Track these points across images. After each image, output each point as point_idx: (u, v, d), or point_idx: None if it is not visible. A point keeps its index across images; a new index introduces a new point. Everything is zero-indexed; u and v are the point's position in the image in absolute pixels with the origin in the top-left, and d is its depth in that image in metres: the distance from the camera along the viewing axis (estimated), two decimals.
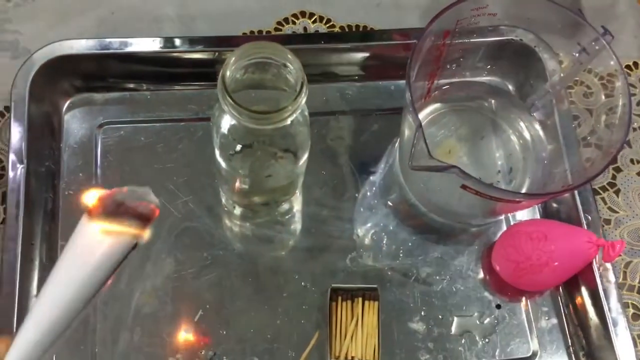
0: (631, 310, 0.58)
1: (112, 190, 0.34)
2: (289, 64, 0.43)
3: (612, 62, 0.50)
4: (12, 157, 0.54)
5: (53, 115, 0.59)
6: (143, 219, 0.35)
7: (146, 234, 0.35)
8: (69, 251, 0.33)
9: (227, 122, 0.46)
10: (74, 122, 0.60)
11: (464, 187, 0.47)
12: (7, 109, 0.60)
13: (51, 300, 0.32)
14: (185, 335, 0.54)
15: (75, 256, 0.33)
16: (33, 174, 0.55)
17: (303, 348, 0.54)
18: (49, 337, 0.31)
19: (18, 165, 0.54)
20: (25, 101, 0.56)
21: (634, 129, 0.65)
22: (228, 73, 0.42)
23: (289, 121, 0.44)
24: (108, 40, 0.59)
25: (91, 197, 0.33)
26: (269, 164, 0.50)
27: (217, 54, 0.61)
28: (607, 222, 0.61)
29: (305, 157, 0.51)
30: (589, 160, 0.54)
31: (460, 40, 0.54)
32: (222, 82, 0.42)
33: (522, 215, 0.61)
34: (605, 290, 0.54)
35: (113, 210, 0.33)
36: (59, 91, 0.60)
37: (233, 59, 0.42)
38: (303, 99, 0.43)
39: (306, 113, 0.48)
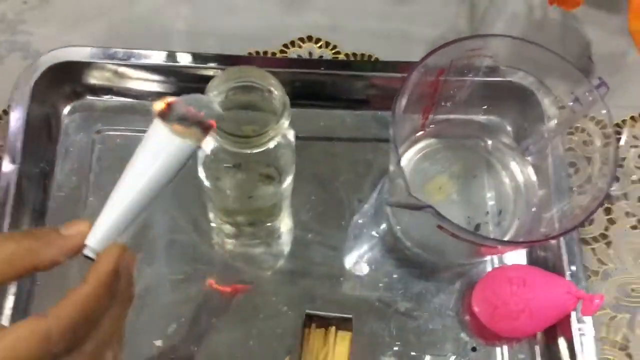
0: None
1: (180, 96, 0.38)
2: (272, 89, 0.44)
3: (603, 111, 0.50)
4: (6, 156, 0.55)
5: (52, 118, 0.60)
6: (204, 127, 0.37)
7: (207, 141, 0.38)
8: (142, 148, 0.36)
9: (210, 141, 0.47)
10: (73, 127, 0.61)
11: (439, 227, 0.46)
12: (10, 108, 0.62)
13: (126, 189, 0.35)
14: (156, 347, 0.55)
15: (148, 151, 0.36)
16: (26, 174, 0.56)
17: None
18: (124, 221, 0.35)
19: (11, 164, 0.55)
20: (26, 103, 0.57)
21: (633, 182, 0.64)
22: (210, 95, 0.42)
23: (271, 145, 0.44)
24: (114, 49, 0.60)
25: (161, 102, 0.36)
26: (252, 185, 0.51)
27: (219, 71, 0.61)
28: (595, 273, 0.60)
29: (289, 179, 0.51)
30: (580, 207, 0.53)
31: (456, 78, 0.54)
32: None
33: (509, 257, 0.60)
34: (582, 344, 0.53)
35: (181, 115, 0.37)
36: (60, 95, 0.61)
37: (216, 82, 0.43)
38: (285, 124, 0.44)
39: (291, 137, 0.49)
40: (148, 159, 0.36)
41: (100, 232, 0.35)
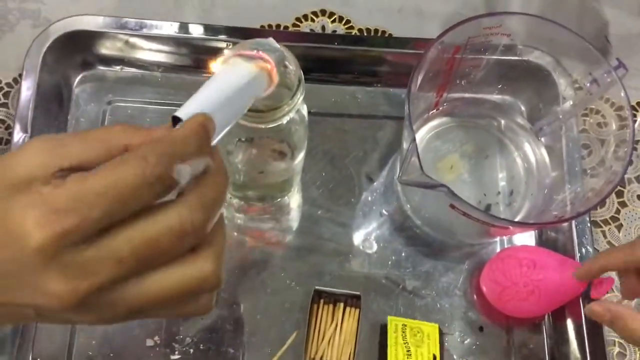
0: (616, 349, 0.57)
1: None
2: (287, 64, 0.43)
3: (621, 94, 0.49)
4: (17, 125, 0.55)
5: (63, 88, 0.60)
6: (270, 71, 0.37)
7: (274, 83, 0.37)
8: (221, 71, 0.35)
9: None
10: (83, 97, 0.61)
11: (452, 206, 0.46)
12: (22, 76, 0.61)
13: (212, 94, 0.33)
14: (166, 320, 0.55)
15: (227, 74, 0.34)
16: None
17: (280, 346, 0.54)
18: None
19: (21, 133, 0.55)
20: (37, 72, 0.57)
21: None
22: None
23: (284, 120, 0.44)
24: (125, 19, 0.59)
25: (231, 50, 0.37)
26: (264, 160, 0.50)
27: (231, 44, 0.61)
28: None
29: (301, 156, 0.51)
30: (593, 190, 0.53)
31: (472, 56, 0.54)
32: None
33: (518, 238, 0.60)
34: (590, 326, 0.53)
35: (253, 55, 0.37)
36: (71, 64, 0.61)
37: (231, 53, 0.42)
38: (299, 99, 0.43)
39: (304, 112, 0.48)
40: (229, 79, 0.34)
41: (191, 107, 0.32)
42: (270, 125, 0.43)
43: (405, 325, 0.54)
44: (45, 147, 0.26)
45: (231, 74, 0.35)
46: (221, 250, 0.29)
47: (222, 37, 0.60)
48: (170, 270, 0.27)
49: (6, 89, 0.62)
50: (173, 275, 0.27)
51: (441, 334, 0.54)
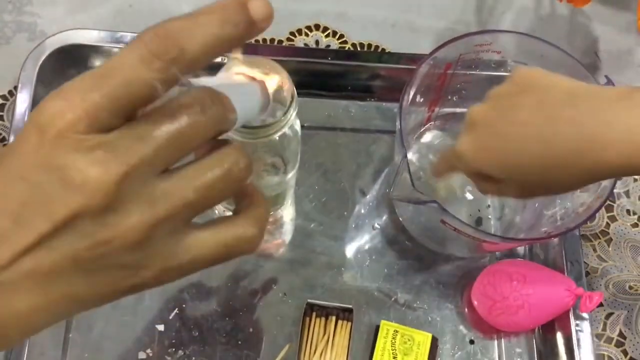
0: None
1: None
2: (282, 81, 0.44)
3: None
4: (12, 138, 0.55)
5: None
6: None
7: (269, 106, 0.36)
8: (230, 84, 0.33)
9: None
10: None
11: (443, 222, 0.47)
12: (17, 89, 0.61)
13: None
14: (158, 331, 0.55)
15: (236, 87, 0.33)
16: None
17: (272, 359, 0.55)
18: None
19: None
20: (32, 85, 0.57)
21: (635, 180, 0.64)
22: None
23: (276, 136, 0.44)
24: (120, 33, 0.60)
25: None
26: (257, 175, 0.51)
27: (225, 58, 0.61)
28: (594, 270, 0.60)
29: (293, 171, 0.52)
30: (583, 205, 0.53)
31: (463, 72, 0.54)
32: None
33: (509, 252, 0.60)
34: (579, 340, 0.54)
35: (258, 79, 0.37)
36: (67, 77, 0.59)
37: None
38: (292, 115, 0.44)
39: (297, 127, 0.49)
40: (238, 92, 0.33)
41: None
42: (264, 140, 0.44)
43: (397, 332, 0.54)
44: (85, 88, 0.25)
45: (239, 88, 0.34)
46: (263, 215, 0.30)
47: None
48: (215, 229, 0.28)
49: (1, 101, 0.63)
50: (218, 234, 0.28)
51: (435, 344, 0.55)
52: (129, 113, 0.25)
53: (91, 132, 0.24)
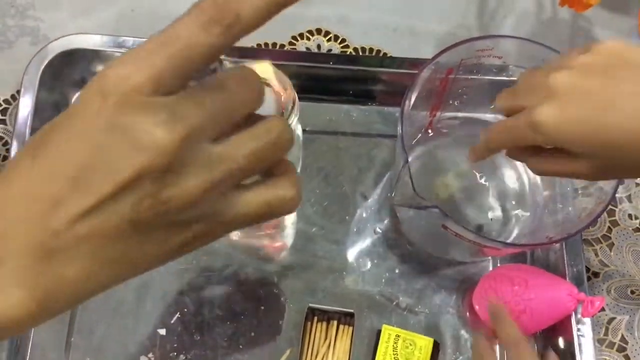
0: None
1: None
2: (283, 87, 0.44)
3: None
4: (14, 142, 0.56)
5: (61, 105, 0.61)
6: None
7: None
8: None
9: None
10: None
11: (444, 227, 0.47)
12: (20, 93, 0.62)
13: None
14: (160, 335, 0.55)
15: None
16: None
17: None
18: None
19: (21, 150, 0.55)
20: (35, 89, 0.57)
21: (637, 184, 0.64)
22: None
23: None
24: (122, 38, 0.60)
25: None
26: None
27: (230, 63, 0.61)
28: (596, 275, 0.60)
29: None
30: (584, 210, 0.53)
31: (464, 77, 0.54)
32: None
33: (511, 256, 0.60)
34: (580, 345, 0.54)
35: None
36: (69, 82, 0.61)
37: None
38: (294, 121, 0.44)
39: (299, 132, 0.49)
40: None
41: None
42: None
43: (399, 336, 0.54)
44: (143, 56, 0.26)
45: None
46: (298, 180, 0.31)
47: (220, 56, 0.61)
48: (259, 190, 0.29)
49: (4, 105, 0.63)
50: (262, 195, 0.29)
51: (437, 349, 0.55)
52: (189, 76, 0.26)
53: (155, 95, 0.25)
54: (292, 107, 0.43)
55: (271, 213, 0.30)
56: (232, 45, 0.27)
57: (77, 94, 0.62)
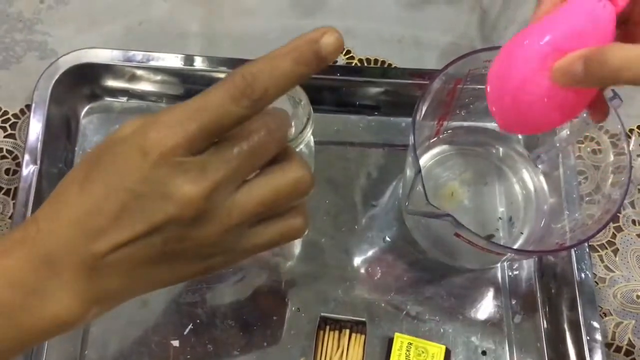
0: None
1: None
2: (301, 99, 0.45)
3: (618, 126, 0.51)
4: (26, 156, 0.56)
5: (71, 119, 0.61)
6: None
7: None
8: None
9: None
10: (90, 128, 0.62)
11: (457, 235, 0.47)
12: (29, 107, 0.62)
13: None
14: (173, 347, 0.55)
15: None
16: (45, 175, 0.56)
17: None
18: None
19: (31, 165, 0.56)
20: (46, 103, 0.58)
21: (639, 190, 0.65)
22: None
23: None
24: (132, 52, 0.61)
25: None
26: None
27: None
28: (602, 280, 0.61)
29: None
30: (591, 217, 0.54)
31: (472, 87, 0.55)
32: None
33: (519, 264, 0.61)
34: (590, 350, 0.54)
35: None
36: (79, 96, 0.62)
37: None
38: (308, 133, 0.45)
39: (312, 144, 0.50)
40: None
41: None
42: None
43: (411, 344, 0.55)
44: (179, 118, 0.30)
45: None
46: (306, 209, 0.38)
47: (225, 68, 0.62)
48: (273, 223, 0.35)
49: (13, 120, 0.63)
50: (275, 227, 0.35)
51: (449, 356, 0.55)
52: (218, 137, 0.31)
53: (187, 156, 0.30)
54: (308, 120, 0.44)
55: (283, 241, 0.36)
56: (256, 114, 0.31)
57: (86, 107, 0.63)
